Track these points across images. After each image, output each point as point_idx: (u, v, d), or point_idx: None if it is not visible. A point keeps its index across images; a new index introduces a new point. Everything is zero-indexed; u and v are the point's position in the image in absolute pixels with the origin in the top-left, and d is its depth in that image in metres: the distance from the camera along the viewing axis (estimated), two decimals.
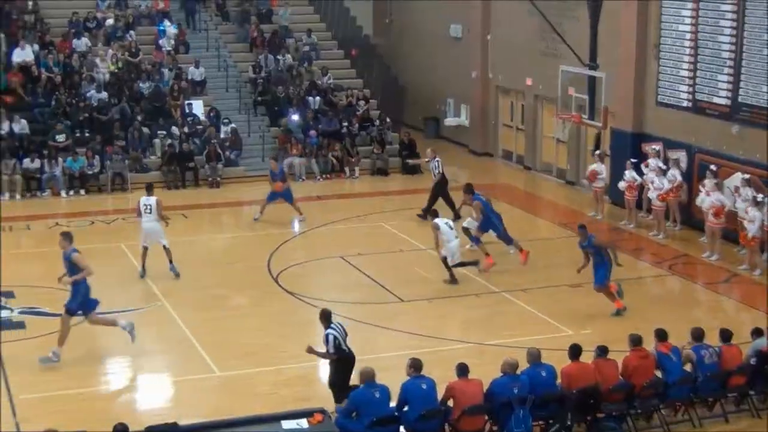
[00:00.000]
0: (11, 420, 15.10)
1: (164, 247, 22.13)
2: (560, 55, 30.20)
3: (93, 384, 16.71)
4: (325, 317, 15.00)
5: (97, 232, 25.96)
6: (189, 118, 33.24)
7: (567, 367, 14.30)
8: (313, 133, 33.27)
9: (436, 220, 21.51)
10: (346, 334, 15.03)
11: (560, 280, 20.98)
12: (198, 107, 33.79)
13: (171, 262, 22.14)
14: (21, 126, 31.22)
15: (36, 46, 34.03)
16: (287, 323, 19.45)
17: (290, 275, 22.05)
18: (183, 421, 13.16)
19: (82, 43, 34.90)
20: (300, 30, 38.14)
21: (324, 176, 32.29)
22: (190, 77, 34.77)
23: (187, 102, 33.75)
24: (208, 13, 38.45)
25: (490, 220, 22.70)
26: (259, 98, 35.00)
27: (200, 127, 32.94)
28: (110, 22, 36.24)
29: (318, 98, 35.02)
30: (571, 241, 25.05)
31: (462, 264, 21.52)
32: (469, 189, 23.11)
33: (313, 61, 36.98)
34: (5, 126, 31.03)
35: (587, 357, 14.65)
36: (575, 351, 14.44)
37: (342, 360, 14.84)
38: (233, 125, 33.17)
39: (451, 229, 21.36)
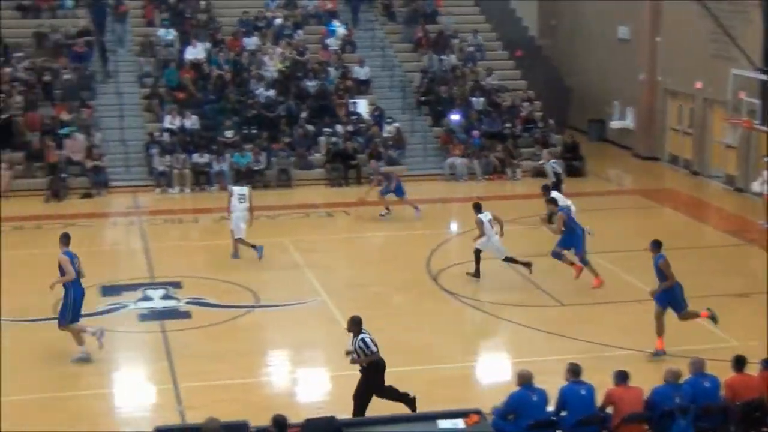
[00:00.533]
0: (175, 407, 15.55)
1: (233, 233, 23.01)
2: (731, 57, 29.35)
3: (255, 375, 17.04)
4: (355, 323, 14.59)
5: (262, 227, 26.43)
6: (353, 117, 33.63)
7: (731, 379, 13.87)
8: (475, 133, 33.25)
9: (480, 216, 21.49)
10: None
11: (726, 289, 20.38)
12: (362, 106, 34.12)
13: (236, 246, 23.01)
14: (192, 122, 32.17)
15: (208, 44, 34.99)
16: (446, 323, 19.46)
17: (450, 275, 22.05)
18: (341, 416, 13.29)
19: (252, 41, 35.68)
20: (465, 30, 38.15)
21: (485, 177, 32.19)
22: (355, 76, 35.16)
23: (351, 100, 34.14)
24: (374, 13, 38.83)
25: (574, 234, 21.26)
26: (423, 98, 35.14)
27: (363, 125, 33.28)
28: (279, 21, 36.94)
29: (481, 99, 34.94)
30: (738, 250, 24.46)
31: (513, 260, 21.58)
32: (551, 200, 22.45)
33: (478, 61, 36.93)
34: (177, 121, 32.00)
35: (753, 369, 14.20)
36: (740, 362, 14.01)
37: (374, 366, 14.48)
38: (396, 124, 33.40)
39: (492, 226, 21.44)
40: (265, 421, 12.22)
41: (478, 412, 13.14)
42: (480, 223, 21.40)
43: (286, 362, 18.05)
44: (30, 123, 31.33)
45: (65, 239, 17.62)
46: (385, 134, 32.98)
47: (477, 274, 21.59)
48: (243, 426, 12.53)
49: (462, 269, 22.52)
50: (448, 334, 18.77)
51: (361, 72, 35.30)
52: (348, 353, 14.65)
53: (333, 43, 36.49)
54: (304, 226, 26.72)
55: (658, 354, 17.28)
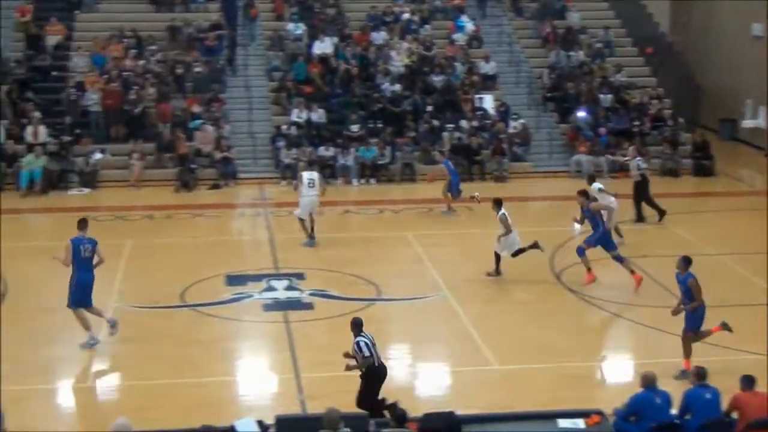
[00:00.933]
0: (296, 396, 15.73)
1: (312, 217, 23.82)
2: None
3: None
4: (356, 326, 14.27)
5: (385, 221, 26.63)
6: (478, 112, 33.52)
7: None
8: (602, 130, 32.84)
9: (504, 211, 21.38)
10: (375, 346, 14.30)
11: None
12: (488, 101, 33.99)
13: (313, 231, 23.75)
14: (318, 115, 32.50)
15: (335, 39, 35.27)
16: (568, 321, 19.27)
17: (573, 273, 21.80)
18: (460, 412, 13.27)
19: (379, 36, 35.84)
20: (594, 27, 37.72)
21: (611, 175, 31.74)
22: (481, 71, 35.04)
23: (477, 96, 34.03)
24: (501, 8, 38.65)
25: (597, 231, 20.98)
26: (549, 94, 34.85)
27: (488, 121, 33.15)
28: (406, 16, 37.04)
29: (609, 96, 34.48)
30: None
31: (522, 251, 21.42)
32: (584, 193, 21.59)
33: (606, 58, 36.45)
34: (303, 115, 32.36)
35: None
36: None
37: (372, 372, 14.12)
38: (522, 120, 33.20)
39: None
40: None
41: (599, 413, 13.03)
42: (504, 220, 21.32)
43: (406, 356, 18.09)
44: (162, 114, 32.06)
45: (81, 224, 17.87)
46: (510, 130, 32.82)
47: (497, 272, 21.56)
48: (362, 418, 12.63)
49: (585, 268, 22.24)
50: (570, 333, 18.58)
51: (487, 67, 35.17)
52: (346, 355, 14.43)
53: (460, 38, 36.45)
54: (428, 221, 26.74)
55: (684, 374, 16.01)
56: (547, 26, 37.11)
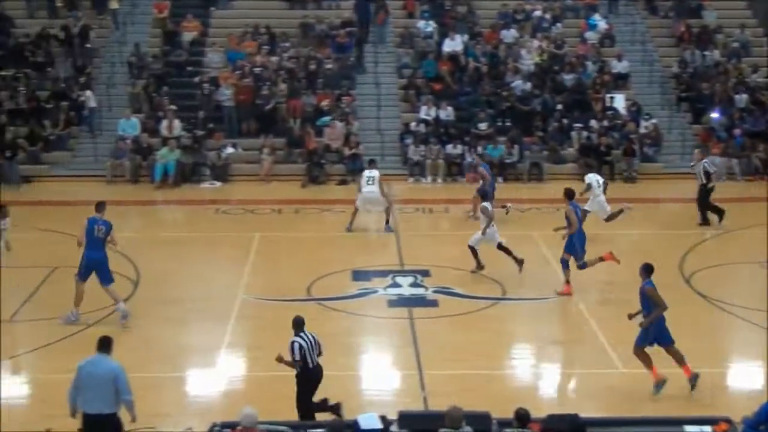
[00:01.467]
0: (419, 393, 15.76)
1: (385, 209, 24.96)
2: None
3: (498, 367, 17.07)
4: (296, 324, 13.95)
5: (511, 220, 26.40)
6: (609, 112, 33.10)
7: None
8: (737, 132, 32.11)
9: (485, 203, 21.12)
10: (318, 347, 14.01)
11: None
12: (619, 101, 33.53)
13: (388, 222, 24.88)
14: (447, 113, 32.51)
15: (465, 37, 35.22)
16: (697, 326, 18.85)
17: (704, 277, 21.37)
18: (583, 414, 13.13)
19: (510, 34, 35.67)
20: (730, 26, 36.89)
21: (745, 177, 31.03)
22: (613, 70, 34.57)
23: (608, 95, 33.60)
24: (635, 7, 38.09)
25: (571, 238, 20.31)
26: (683, 94, 34.20)
27: (619, 121, 32.70)
28: (538, 13, 36.78)
29: (745, 96, 33.68)
30: None
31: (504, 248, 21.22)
32: (568, 194, 20.82)
33: (742, 58, 35.60)
34: (432, 112, 32.40)
35: None
36: None
37: (304, 374, 13.83)
38: (654, 120, 32.66)
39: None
40: (506, 413, 12.22)
41: (727, 421, 12.73)
42: (485, 210, 21.12)
43: (530, 356, 17.99)
44: (292, 110, 32.48)
45: (98, 207, 18.40)
46: (641, 130, 32.32)
47: (521, 264, 21.30)
48: (485, 417, 12.57)
49: (717, 272, 21.81)
50: (699, 338, 18.17)
51: (619, 66, 34.70)
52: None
53: (592, 36, 36.04)
54: (554, 221, 26.43)
55: (659, 386, 15.54)
56: (681, 25, 36.45)
